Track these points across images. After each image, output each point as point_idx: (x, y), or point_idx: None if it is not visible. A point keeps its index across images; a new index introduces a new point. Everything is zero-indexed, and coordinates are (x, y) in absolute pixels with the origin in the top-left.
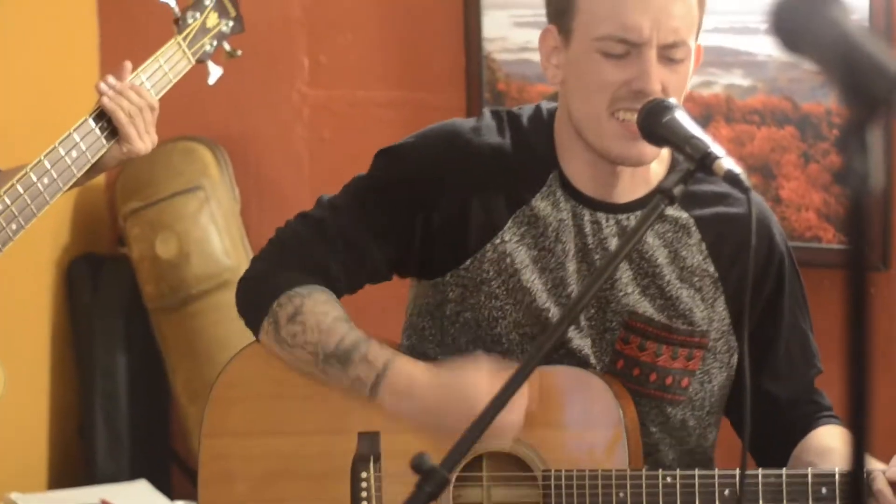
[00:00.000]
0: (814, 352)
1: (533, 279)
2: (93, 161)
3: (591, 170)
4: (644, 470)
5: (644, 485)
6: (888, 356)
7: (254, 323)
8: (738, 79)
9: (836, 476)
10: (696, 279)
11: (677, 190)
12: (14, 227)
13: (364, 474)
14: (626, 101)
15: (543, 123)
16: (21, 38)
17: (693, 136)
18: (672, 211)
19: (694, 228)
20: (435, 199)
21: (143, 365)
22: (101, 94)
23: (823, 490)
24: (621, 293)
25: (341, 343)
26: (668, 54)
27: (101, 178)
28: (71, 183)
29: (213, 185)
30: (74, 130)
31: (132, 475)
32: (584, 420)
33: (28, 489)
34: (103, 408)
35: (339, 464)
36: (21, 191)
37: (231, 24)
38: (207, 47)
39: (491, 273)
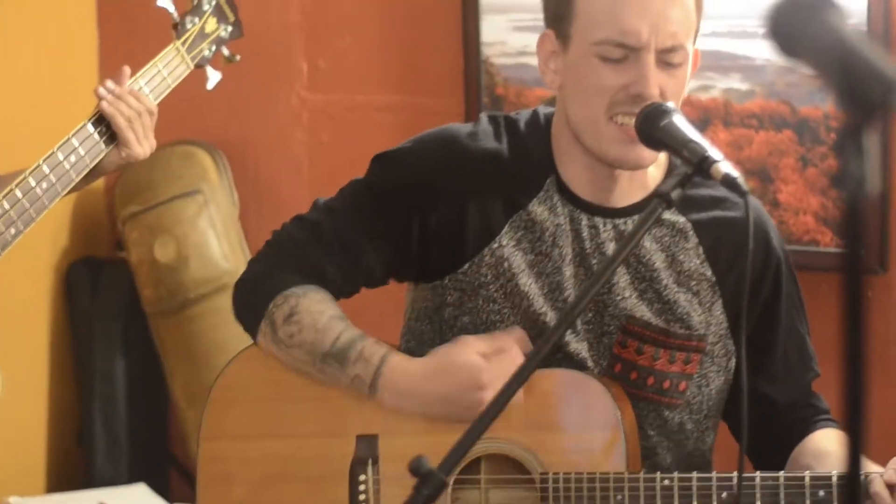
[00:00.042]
0: (811, 355)
1: (530, 283)
2: (91, 166)
3: (588, 174)
4: (642, 472)
5: (642, 487)
6: (885, 359)
7: (251, 326)
8: (736, 83)
9: (834, 479)
10: (693, 283)
11: (675, 194)
12: (13, 231)
13: (362, 477)
14: (624, 106)
15: (540, 128)
16: (20, 42)
17: (691, 140)
18: (669, 215)
19: (691, 232)
20: (432, 204)
21: (141, 369)
22: (99, 98)
23: (821, 493)
24: (619, 297)
25: (337, 342)
26: (666, 58)
27: (99, 182)
28: (69, 187)
29: (211, 189)
30: (73, 135)
31: (131, 479)
32: (582, 422)
33: (27, 493)
34: (102, 411)
35: (337, 466)
36: (20, 195)
37: (230, 29)
38: (206, 52)
39: (489, 277)
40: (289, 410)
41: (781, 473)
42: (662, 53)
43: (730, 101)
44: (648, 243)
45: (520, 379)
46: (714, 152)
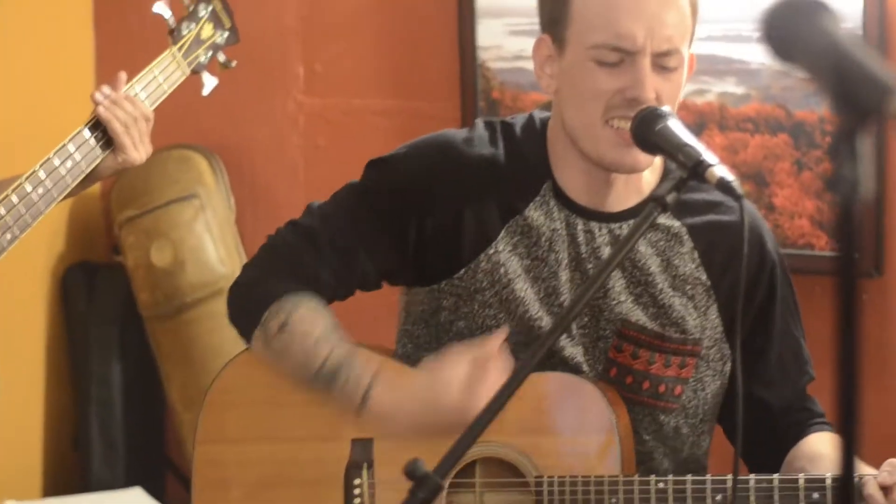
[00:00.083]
0: (806, 358)
1: (525, 289)
2: (87, 171)
3: (584, 178)
4: (636, 476)
5: (636, 490)
6: (881, 362)
7: (245, 331)
8: (732, 87)
9: (828, 481)
10: (688, 287)
11: (670, 198)
12: (9, 236)
13: (357, 481)
14: (620, 109)
15: (536, 132)
16: (17, 47)
17: (686, 144)
18: (664, 219)
19: (686, 237)
20: (427, 209)
21: (138, 373)
22: (96, 103)
23: (815, 495)
24: (614, 302)
25: (325, 366)
26: (662, 62)
27: (96, 187)
28: (65, 193)
29: (208, 194)
30: (69, 140)
31: (127, 483)
32: (577, 426)
33: (23, 497)
34: (98, 415)
35: (332, 470)
36: (16, 201)
37: (226, 35)
38: (202, 58)
39: (485, 283)
40: (284, 414)
41: (775, 476)
42: (658, 57)
43: (725, 105)
44: (644, 247)
45: (515, 383)
46: (709, 156)
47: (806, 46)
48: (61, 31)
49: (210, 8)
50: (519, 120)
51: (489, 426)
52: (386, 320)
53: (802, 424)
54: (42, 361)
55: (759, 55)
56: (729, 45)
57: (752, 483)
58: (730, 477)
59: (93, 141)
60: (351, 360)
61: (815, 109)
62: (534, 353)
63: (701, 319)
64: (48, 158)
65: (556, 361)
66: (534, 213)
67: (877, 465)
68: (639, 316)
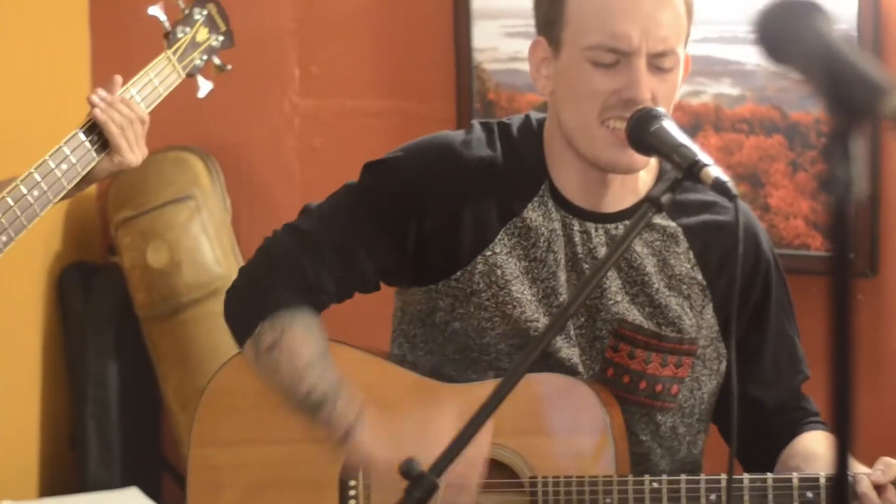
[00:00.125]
0: (800, 358)
1: (523, 290)
2: (83, 174)
3: (580, 179)
4: (630, 476)
5: (630, 490)
6: (876, 362)
7: (238, 337)
8: (727, 88)
9: (821, 480)
10: (684, 287)
11: (665, 198)
12: (4, 238)
13: (352, 482)
14: (616, 110)
15: (533, 133)
16: (13, 50)
17: (681, 145)
18: (660, 220)
19: (681, 237)
20: (427, 210)
21: (134, 373)
22: (92, 105)
23: (809, 494)
24: (611, 302)
25: (310, 395)
26: (658, 63)
27: (92, 188)
28: (61, 195)
29: (204, 195)
30: (65, 143)
31: (123, 483)
32: (571, 427)
33: (20, 497)
34: (95, 416)
35: (327, 472)
36: (11, 203)
37: (221, 38)
38: (197, 61)
39: (481, 285)
40: (278, 417)
41: (769, 475)
42: (653, 58)
43: (720, 107)
44: (640, 248)
45: (509, 384)
46: (704, 157)
47: (799, 48)
48: (57, 34)
49: (205, 12)
50: (515, 121)
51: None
52: (385, 322)
53: (796, 423)
54: (38, 362)
55: (754, 57)
56: (724, 47)
57: (746, 482)
58: (724, 476)
59: (88, 144)
60: (336, 394)
61: (810, 111)
62: (528, 354)
63: (697, 319)
64: (44, 161)
65: (552, 363)
66: (532, 214)
67: (872, 465)
68: (635, 316)
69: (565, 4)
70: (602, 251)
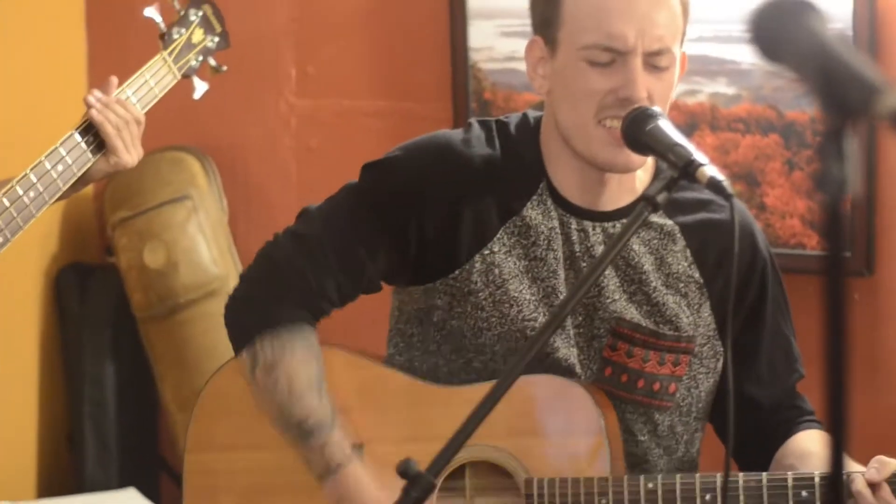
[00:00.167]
0: (796, 357)
1: (522, 290)
2: (78, 175)
3: (578, 178)
4: (625, 476)
5: (626, 491)
6: (872, 362)
7: (236, 346)
8: (723, 87)
9: (816, 479)
10: (681, 285)
11: (661, 197)
12: (0, 240)
13: None
14: (612, 109)
15: (531, 131)
16: (9, 51)
17: (676, 144)
18: (657, 218)
19: (679, 235)
20: (427, 210)
21: (131, 373)
22: (89, 106)
23: (804, 493)
24: (609, 300)
25: (305, 421)
26: (654, 62)
27: (88, 188)
28: (57, 196)
29: (200, 195)
30: (61, 144)
31: (121, 483)
32: (566, 428)
33: (17, 498)
34: (92, 416)
35: None
36: (7, 204)
37: (216, 39)
38: (193, 62)
39: (479, 284)
40: None
41: (764, 474)
42: (649, 57)
43: (716, 106)
44: (637, 246)
45: (505, 385)
46: (699, 156)
47: (793, 46)
48: (54, 35)
49: (201, 13)
50: (513, 119)
51: (478, 429)
52: (384, 324)
53: (791, 422)
54: (36, 362)
55: (750, 56)
56: (720, 46)
57: (741, 481)
58: (719, 475)
59: (84, 145)
60: (332, 427)
61: (806, 110)
62: (525, 353)
63: (694, 317)
64: (39, 162)
65: (549, 363)
66: (531, 213)
67: (868, 464)
68: (633, 314)
69: (561, 4)
70: (600, 250)
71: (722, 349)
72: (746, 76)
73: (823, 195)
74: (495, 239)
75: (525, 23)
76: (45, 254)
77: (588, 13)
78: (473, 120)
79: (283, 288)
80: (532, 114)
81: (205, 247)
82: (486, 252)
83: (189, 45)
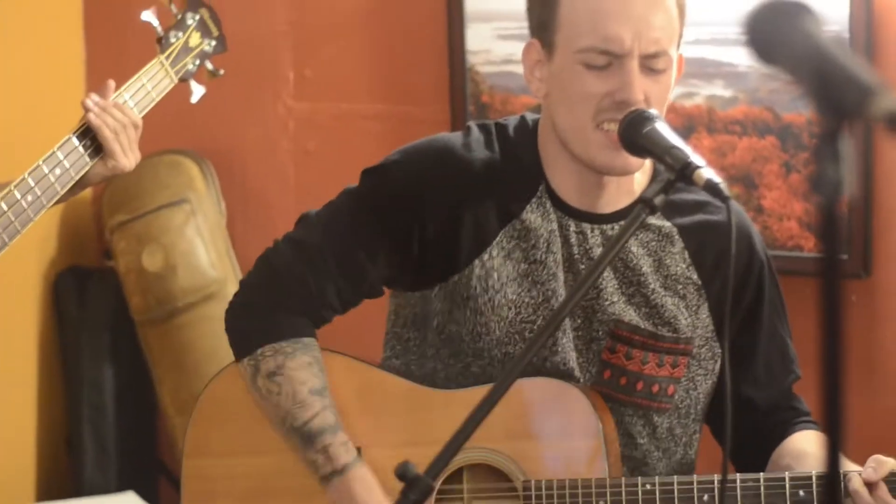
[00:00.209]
0: (792, 358)
1: (520, 293)
2: (76, 178)
3: (576, 180)
4: (623, 478)
5: (624, 493)
6: (869, 364)
7: (237, 353)
8: (720, 90)
9: (813, 478)
10: (680, 287)
11: (658, 199)
12: None
13: None
14: (610, 112)
15: (529, 133)
16: (7, 55)
17: (673, 147)
18: (655, 220)
19: (677, 237)
20: (428, 214)
21: (130, 377)
22: (86, 110)
23: (801, 493)
24: (607, 302)
25: (309, 424)
26: (650, 64)
27: (87, 192)
28: (55, 200)
29: (199, 198)
30: (58, 148)
31: (120, 487)
32: (564, 431)
33: (16, 501)
34: (91, 420)
35: (320, 483)
36: (5, 208)
37: (213, 43)
38: (190, 66)
39: (477, 290)
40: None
41: (761, 475)
42: (646, 59)
43: (713, 108)
44: (635, 248)
45: (503, 387)
46: (696, 158)
47: (789, 49)
48: (52, 39)
49: (198, 17)
50: (511, 122)
51: (476, 432)
52: (380, 327)
53: (788, 423)
54: (34, 366)
55: (746, 58)
56: (717, 49)
57: (738, 482)
58: (716, 477)
59: (81, 149)
60: (336, 429)
61: (803, 112)
62: (523, 355)
63: (692, 318)
64: (37, 165)
65: (548, 366)
66: (531, 216)
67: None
68: (632, 316)
69: (558, 7)
70: (598, 252)
71: (719, 350)
72: (743, 79)
73: (820, 197)
74: (494, 243)
75: (522, 26)
76: (44, 257)
77: (584, 16)
78: (472, 123)
79: (283, 294)
80: (530, 116)
81: (203, 250)
82: (486, 257)
83: (186, 49)
